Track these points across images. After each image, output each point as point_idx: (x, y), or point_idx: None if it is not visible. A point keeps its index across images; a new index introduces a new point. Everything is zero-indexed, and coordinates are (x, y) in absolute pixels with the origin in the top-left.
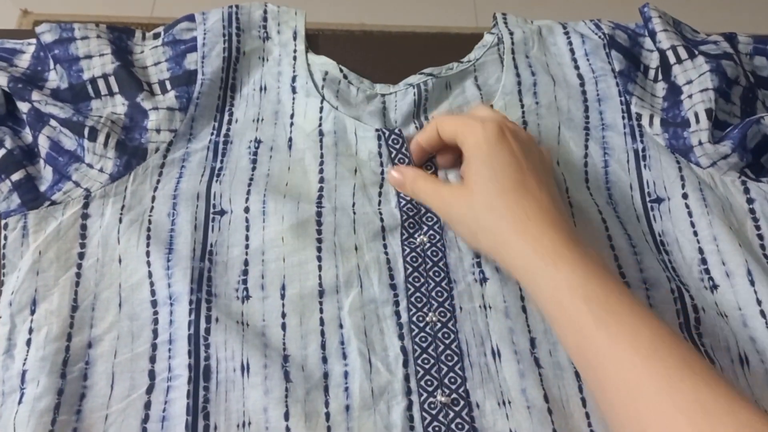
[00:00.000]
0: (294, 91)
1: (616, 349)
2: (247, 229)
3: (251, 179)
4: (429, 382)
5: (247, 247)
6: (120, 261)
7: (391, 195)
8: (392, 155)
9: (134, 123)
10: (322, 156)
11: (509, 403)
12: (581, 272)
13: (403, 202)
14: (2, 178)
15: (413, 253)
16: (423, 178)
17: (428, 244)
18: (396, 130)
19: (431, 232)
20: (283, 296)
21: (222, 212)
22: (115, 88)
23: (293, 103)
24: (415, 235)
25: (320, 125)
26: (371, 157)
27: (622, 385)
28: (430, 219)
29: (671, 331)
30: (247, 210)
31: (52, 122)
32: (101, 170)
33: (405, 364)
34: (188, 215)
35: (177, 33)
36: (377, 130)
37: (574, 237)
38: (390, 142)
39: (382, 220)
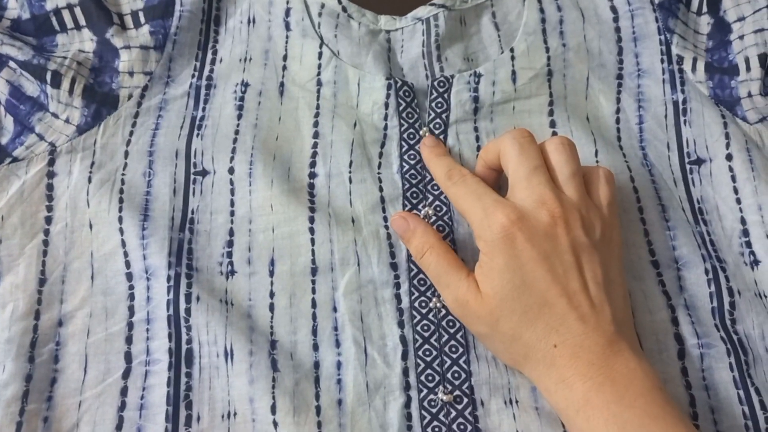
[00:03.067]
0: (288, 27)
1: None
2: (232, 192)
3: (237, 131)
4: (430, 377)
5: (232, 214)
6: (91, 227)
7: (394, 157)
8: (400, 108)
9: (104, 63)
10: (318, 107)
11: (517, 402)
12: (613, 424)
13: (406, 167)
14: None
15: None
16: (436, 248)
17: (434, 218)
18: (408, 83)
19: (437, 202)
20: (271, 273)
21: (204, 173)
22: (82, 21)
23: (286, 43)
24: (419, 207)
25: (318, 74)
26: (375, 109)
27: None
28: (436, 188)
29: None
30: (231, 171)
31: (12, 63)
32: (67, 121)
33: (404, 356)
34: (166, 176)
35: None
36: (387, 78)
37: (609, 368)
38: (401, 93)
39: (381, 189)
